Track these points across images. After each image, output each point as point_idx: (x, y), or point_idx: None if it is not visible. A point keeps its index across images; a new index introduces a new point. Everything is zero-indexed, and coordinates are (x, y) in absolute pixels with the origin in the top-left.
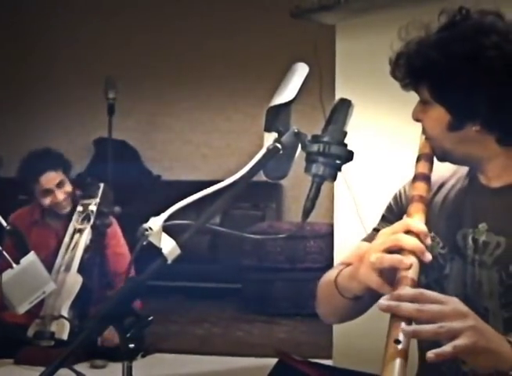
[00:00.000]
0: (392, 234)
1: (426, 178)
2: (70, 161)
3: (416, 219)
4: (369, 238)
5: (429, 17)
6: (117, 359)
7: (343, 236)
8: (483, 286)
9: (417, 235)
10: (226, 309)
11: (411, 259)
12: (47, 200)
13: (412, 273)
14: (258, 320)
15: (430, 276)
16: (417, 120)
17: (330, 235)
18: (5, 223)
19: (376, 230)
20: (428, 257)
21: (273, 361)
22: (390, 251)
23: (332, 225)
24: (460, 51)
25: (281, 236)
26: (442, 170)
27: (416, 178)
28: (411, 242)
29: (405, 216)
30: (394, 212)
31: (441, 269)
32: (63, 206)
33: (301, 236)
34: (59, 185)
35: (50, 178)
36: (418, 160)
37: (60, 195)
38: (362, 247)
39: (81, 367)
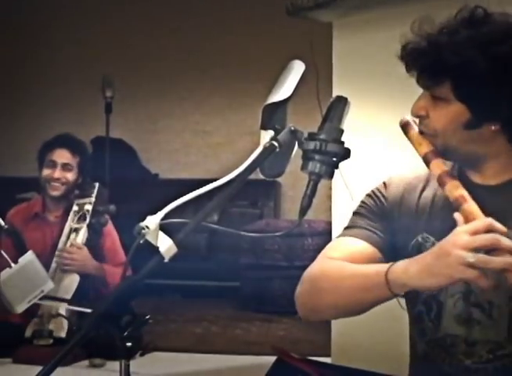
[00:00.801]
0: (473, 233)
1: (452, 175)
2: (90, 161)
3: (489, 219)
4: (354, 234)
5: (427, 14)
6: (116, 358)
7: None
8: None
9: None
10: (224, 307)
11: None
12: (45, 172)
13: None
14: (257, 318)
15: None
16: (418, 115)
17: (328, 232)
18: (2, 223)
19: (353, 227)
20: None
21: (272, 359)
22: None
23: (330, 223)
24: (498, 52)
25: (279, 234)
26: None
27: (443, 179)
28: (508, 243)
29: (457, 214)
30: (375, 213)
31: None
32: (55, 186)
33: (299, 233)
34: (65, 166)
35: (62, 154)
36: (428, 160)
37: (58, 173)
38: (357, 246)
39: (79, 366)
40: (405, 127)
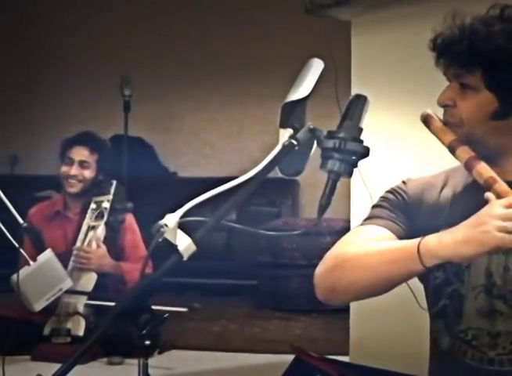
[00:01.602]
0: (508, 207)
1: (478, 159)
2: (111, 158)
3: None
4: (375, 222)
5: (446, 11)
6: (134, 356)
7: None
8: (510, 271)
9: None
10: (242, 305)
11: None
12: (63, 168)
13: None
14: (274, 317)
15: (449, 270)
16: (445, 105)
17: (346, 231)
18: (21, 220)
19: (373, 218)
20: None
21: (289, 358)
22: None
23: (348, 221)
24: None
25: (297, 232)
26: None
27: (471, 162)
28: None
29: (489, 194)
30: (396, 206)
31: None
32: (72, 183)
33: (317, 232)
34: (82, 163)
35: (80, 151)
36: (454, 147)
37: (75, 170)
38: (378, 233)
39: (98, 364)
40: (427, 119)
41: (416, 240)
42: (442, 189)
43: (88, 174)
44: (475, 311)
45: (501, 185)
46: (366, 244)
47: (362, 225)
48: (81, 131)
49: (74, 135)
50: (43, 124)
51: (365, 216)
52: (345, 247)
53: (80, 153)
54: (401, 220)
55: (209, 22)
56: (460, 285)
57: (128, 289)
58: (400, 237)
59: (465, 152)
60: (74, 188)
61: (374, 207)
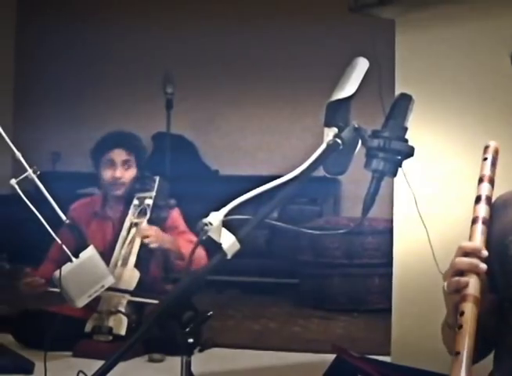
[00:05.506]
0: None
1: None
2: (145, 153)
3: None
4: None
5: (490, 11)
6: (175, 353)
7: (402, 232)
8: None
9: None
10: (283, 304)
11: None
12: (108, 173)
13: (472, 290)
14: (315, 316)
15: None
16: None
17: (388, 231)
18: (64, 217)
19: None
20: (483, 267)
21: (330, 357)
22: (457, 274)
23: (390, 221)
24: None
25: (340, 231)
26: None
27: None
28: (465, 262)
29: None
30: None
31: None
32: (118, 186)
33: (359, 231)
34: (125, 163)
35: (119, 153)
36: None
37: (119, 172)
38: None
39: (139, 361)
40: None
41: None
42: None
43: (131, 173)
44: None
45: None
46: None
47: None
48: (111, 131)
49: (107, 137)
50: (85, 121)
51: (408, 216)
52: None
53: (120, 154)
54: None
55: (252, 22)
56: None
57: (186, 266)
58: None
59: None
60: (120, 191)
61: None
